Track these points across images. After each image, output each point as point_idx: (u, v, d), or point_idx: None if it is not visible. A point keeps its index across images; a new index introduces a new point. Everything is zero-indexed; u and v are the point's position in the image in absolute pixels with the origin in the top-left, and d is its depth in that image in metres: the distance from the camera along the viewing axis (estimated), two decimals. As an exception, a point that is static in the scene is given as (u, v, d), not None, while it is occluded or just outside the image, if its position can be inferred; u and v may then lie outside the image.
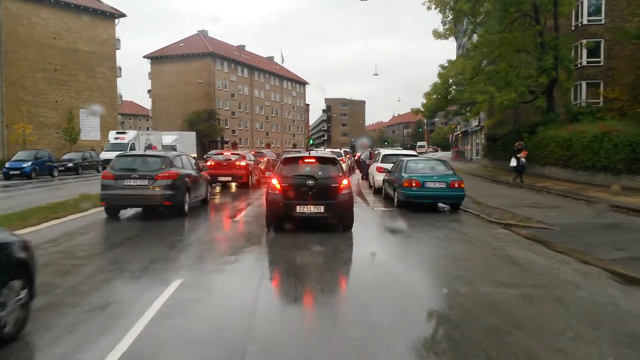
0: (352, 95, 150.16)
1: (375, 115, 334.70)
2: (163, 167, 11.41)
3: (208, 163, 19.57)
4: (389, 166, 16.70)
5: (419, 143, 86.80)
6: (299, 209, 9.51)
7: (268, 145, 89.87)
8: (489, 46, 26.21)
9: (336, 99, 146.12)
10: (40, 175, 27.74)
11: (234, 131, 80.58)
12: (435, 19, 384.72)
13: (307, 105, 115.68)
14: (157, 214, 12.19)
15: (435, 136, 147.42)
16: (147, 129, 79.82)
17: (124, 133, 38.51)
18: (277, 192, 9.60)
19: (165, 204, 11.26)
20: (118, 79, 54.21)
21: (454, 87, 29.07)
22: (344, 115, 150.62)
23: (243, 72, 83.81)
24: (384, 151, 18.18)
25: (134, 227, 11.03)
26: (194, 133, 49.04)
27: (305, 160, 10.23)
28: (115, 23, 52.84)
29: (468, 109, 31.02)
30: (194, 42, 78.21)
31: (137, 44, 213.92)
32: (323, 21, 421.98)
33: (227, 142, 76.03)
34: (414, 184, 12.97)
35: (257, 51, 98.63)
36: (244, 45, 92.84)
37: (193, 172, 12.95)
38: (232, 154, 20.73)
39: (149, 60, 78.34)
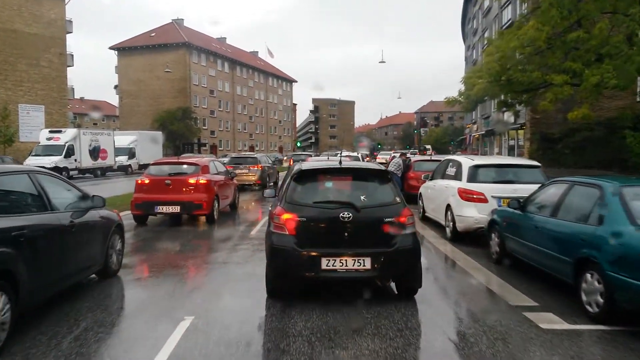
0: (339, 97, 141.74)
1: (362, 117, 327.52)
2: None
3: (140, 180, 11.77)
4: (495, 190, 8.34)
5: (425, 146, 78.22)
6: (326, 263, 5.24)
7: (252, 149, 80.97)
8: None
9: (324, 99, 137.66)
10: None
11: (213, 132, 71.38)
12: (423, 26, 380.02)
13: (295, 104, 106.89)
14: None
15: (427, 139, 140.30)
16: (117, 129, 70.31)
17: (59, 132, 29.39)
18: (287, 233, 5.37)
19: None
20: (69, 68, 44.97)
21: (510, 66, 20.51)
22: (332, 116, 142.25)
23: (223, 66, 74.69)
24: (466, 160, 9.35)
25: None
26: (159, 133, 40.05)
27: (335, 175, 5.90)
28: (65, 1, 43.58)
29: (524, 96, 22.61)
30: (167, 31, 68.95)
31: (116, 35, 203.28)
32: (305, 25, 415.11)
33: (204, 145, 66.80)
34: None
35: (240, 45, 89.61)
36: (225, 38, 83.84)
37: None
38: (184, 162, 12.50)
39: (115, 52, 68.87)
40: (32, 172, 5.46)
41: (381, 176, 6.06)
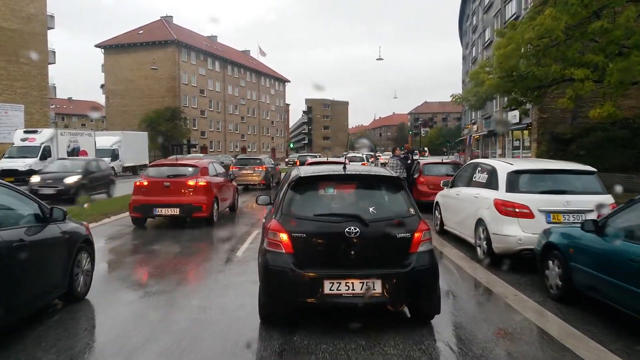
0: (333, 98, 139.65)
1: (355, 118, 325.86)
2: None
3: (138, 182, 11.52)
4: (542, 202, 6.59)
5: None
6: (329, 286, 4.48)
7: (244, 150, 78.99)
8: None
9: (317, 99, 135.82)
10: None
11: (203, 133, 69.30)
12: (417, 28, 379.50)
13: (287, 105, 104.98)
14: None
15: (421, 140, 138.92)
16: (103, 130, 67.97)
17: (34, 132, 27.30)
18: (284, 251, 4.59)
19: None
20: (51, 66, 42.83)
21: (524, 59, 18.84)
22: (326, 117, 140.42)
23: (214, 65, 72.65)
24: (502, 164, 7.37)
25: None
26: (145, 134, 37.97)
27: (339, 183, 5.05)
28: (47, -5, 41.41)
29: (537, 93, 20.99)
30: (156, 29, 66.82)
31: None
32: (297, 25, 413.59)
33: (194, 146, 64.74)
34: None
35: (232, 44, 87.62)
36: (216, 36, 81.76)
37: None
38: (183, 164, 12.15)
39: (102, 50, 66.62)
40: None
41: (392, 183, 5.24)
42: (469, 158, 46.56)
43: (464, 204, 8.35)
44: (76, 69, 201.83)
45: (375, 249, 4.66)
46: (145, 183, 11.21)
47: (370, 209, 4.83)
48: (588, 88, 17.32)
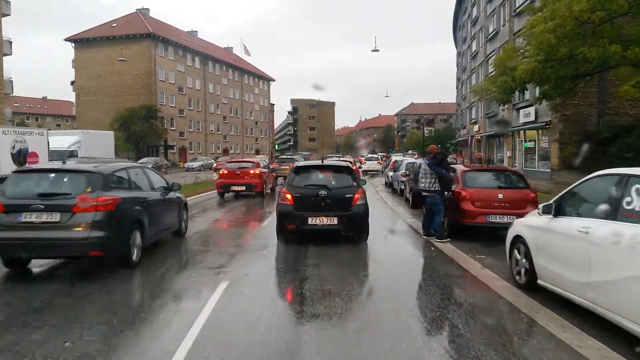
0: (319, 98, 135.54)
1: (341, 120, 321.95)
2: (89, 190, 6.92)
3: (222, 172, 19.84)
4: None
5: (410, 151, 72.97)
6: (311, 220, 9.09)
7: (226, 152, 74.57)
8: None
9: (303, 99, 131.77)
10: None
11: (182, 134, 64.73)
12: (405, 31, 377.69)
13: (272, 105, 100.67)
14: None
15: (408, 142, 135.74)
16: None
17: (-34, 131, 22.72)
18: (288, 202, 9.27)
19: (91, 253, 6.92)
20: (6, 57, 38.11)
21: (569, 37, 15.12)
22: (312, 117, 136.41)
23: (194, 61, 68.15)
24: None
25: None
26: (111, 134, 33.46)
27: (318, 169, 10.11)
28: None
29: (570, 84, 17.38)
30: (131, 21, 62.21)
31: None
32: (283, 29, 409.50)
33: (172, 147, 60.23)
34: None
35: (213, 40, 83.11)
36: (197, 32, 77.22)
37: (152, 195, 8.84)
38: (245, 161, 21.27)
39: (72, 44, 61.79)
40: (142, 167, 9.36)
41: (346, 170, 9.87)
42: (467, 161, 42.89)
43: (611, 256, 4.43)
44: (52, 67, 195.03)
45: (334, 202, 9.08)
46: (226, 172, 19.21)
47: (333, 182, 9.45)
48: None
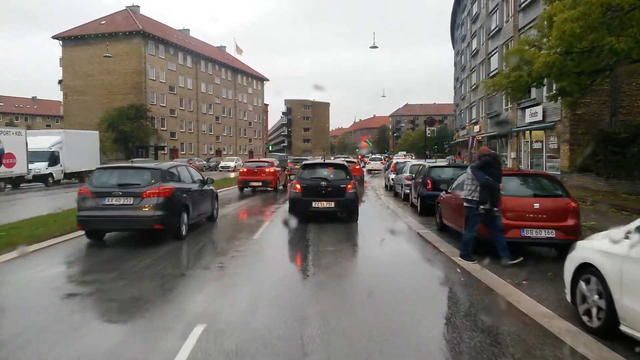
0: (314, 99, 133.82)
1: (336, 121, 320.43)
2: (153, 181, 9.66)
3: (242, 170, 23.38)
4: None
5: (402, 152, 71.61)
6: (314, 204, 12.12)
7: (219, 153, 72.91)
8: None
9: (298, 100, 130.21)
10: None
11: (173, 134, 63.00)
12: (397, 33, 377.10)
13: (266, 105, 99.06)
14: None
15: (403, 143, 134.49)
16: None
17: None
18: (298, 191, 12.31)
19: (155, 226, 9.47)
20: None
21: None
22: (306, 118, 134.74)
23: (185, 60, 66.44)
24: None
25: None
26: (96, 133, 31.78)
27: (321, 166, 13.30)
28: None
29: (589, 80, 16.01)
30: (120, 19, 60.46)
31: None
32: (279, 31, 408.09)
33: (162, 148, 58.51)
34: None
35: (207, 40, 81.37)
36: (189, 30, 75.53)
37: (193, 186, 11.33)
38: (262, 161, 24.66)
39: (60, 42, 59.95)
40: (186, 165, 12.16)
41: (342, 167, 13.07)
42: (468, 162, 41.53)
43: None
44: (42, 67, 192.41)
45: (332, 190, 12.05)
46: (245, 170, 22.67)
47: (331, 176, 12.48)
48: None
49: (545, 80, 16.18)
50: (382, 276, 7.26)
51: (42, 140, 26.84)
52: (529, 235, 7.67)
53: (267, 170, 22.17)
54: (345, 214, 12.35)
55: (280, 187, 23.35)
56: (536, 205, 7.74)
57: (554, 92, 16.72)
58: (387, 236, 11.32)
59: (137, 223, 9.27)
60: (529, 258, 7.72)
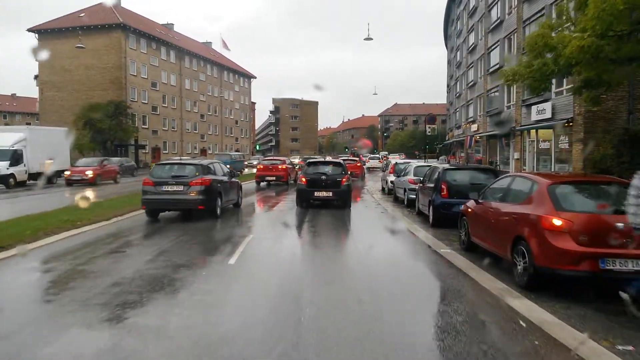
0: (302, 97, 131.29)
1: (324, 120, 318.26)
2: (197, 174, 13.13)
3: (259, 166, 28.67)
4: None
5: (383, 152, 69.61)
6: (316, 194, 15.66)
7: (204, 152, 70.29)
8: None
9: (285, 98, 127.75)
10: None
11: (155, 132, 60.23)
12: (388, 33, 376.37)
13: (253, 103, 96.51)
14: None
15: (392, 142, 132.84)
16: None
17: None
18: (303, 183, 15.82)
19: (199, 207, 12.95)
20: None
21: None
22: (294, 117, 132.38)
23: (169, 55, 63.72)
24: None
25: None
26: (64, 130, 29.16)
27: (321, 163, 17.39)
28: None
29: (618, 71, 13.84)
30: (100, 11, 57.52)
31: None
32: (266, 32, 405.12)
33: (143, 147, 55.80)
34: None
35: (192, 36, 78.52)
36: (173, 24, 72.74)
37: (224, 178, 14.74)
38: (276, 159, 30.72)
39: (35, 35, 56.97)
40: (218, 162, 15.63)
41: (339, 164, 17.06)
42: (465, 163, 39.51)
43: None
44: (22, 63, 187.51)
45: (330, 183, 15.79)
46: (262, 167, 27.83)
47: (330, 171, 16.33)
48: None
49: (572, 70, 14.13)
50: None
51: (4, 137, 24.24)
52: (612, 267, 5.54)
53: (280, 167, 27.39)
54: (340, 202, 15.85)
55: (292, 182, 26.99)
56: (619, 225, 5.56)
57: (579, 83, 14.66)
58: (401, 257, 9.20)
59: (185, 204, 12.82)
60: (614, 299, 5.54)
